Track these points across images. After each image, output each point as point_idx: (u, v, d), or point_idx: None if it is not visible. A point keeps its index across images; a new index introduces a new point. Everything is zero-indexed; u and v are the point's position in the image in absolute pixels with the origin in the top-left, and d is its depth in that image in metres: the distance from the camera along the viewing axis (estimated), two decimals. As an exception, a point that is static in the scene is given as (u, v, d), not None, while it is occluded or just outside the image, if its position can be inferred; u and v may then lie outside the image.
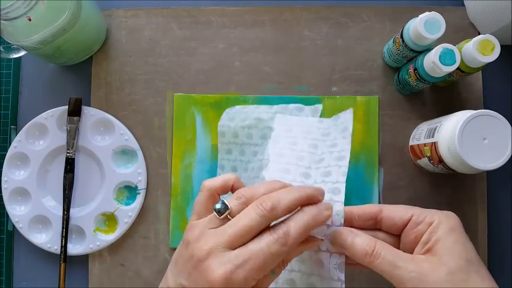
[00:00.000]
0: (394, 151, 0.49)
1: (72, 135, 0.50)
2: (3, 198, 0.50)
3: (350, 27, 0.51)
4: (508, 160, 0.39)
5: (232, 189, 0.36)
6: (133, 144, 0.50)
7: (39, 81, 0.52)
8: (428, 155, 0.44)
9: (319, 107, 0.49)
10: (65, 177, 0.50)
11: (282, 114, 0.49)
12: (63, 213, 0.49)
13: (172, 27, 0.52)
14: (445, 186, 0.49)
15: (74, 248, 0.49)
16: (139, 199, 0.50)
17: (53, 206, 0.50)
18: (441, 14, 0.41)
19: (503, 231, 0.49)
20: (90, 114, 0.50)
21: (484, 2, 0.47)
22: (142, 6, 0.52)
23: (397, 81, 0.49)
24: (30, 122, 0.50)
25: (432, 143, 0.43)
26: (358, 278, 0.48)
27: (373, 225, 0.38)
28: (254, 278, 0.31)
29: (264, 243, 0.31)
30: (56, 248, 0.49)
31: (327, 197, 0.36)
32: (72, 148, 0.50)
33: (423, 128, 0.46)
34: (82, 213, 0.50)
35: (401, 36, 0.44)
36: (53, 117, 0.50)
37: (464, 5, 0.51)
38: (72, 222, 0.49)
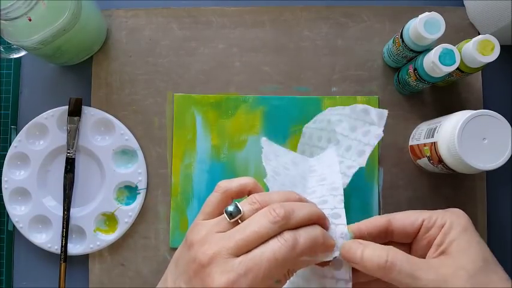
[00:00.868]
0: (394, 151, 0.50)
1: (73, 135, 0.50)
2: (4, 198, 0.50)
3: (350, 28, 0.51)
4: (508, 160, 0.39)
5: (249, 194, 0.34)
6: (134, 144, 0.50)
7: (39, 81, 0.52)
8: (428, 155, 0.44)
9: (385, 112, 0.42)
10: (65, 177, 0.50)
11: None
12: (64, 213, 0.49)
13: (173, 28, 0.52)
14: (444, 186, 0.49)
15: (74, 248, 0.49)
16: (139, 199, 0.50)
17: (53, 206, 0.50)
18: (441, 14, 0.41)
19: (503, 231, 0.49)
20: (91, 114, 0.50)
21: (484, 2, 0.47)
22: (143, 6, 0.52)
23: (397, 81, 0.49)
24: (30, 122, 0.50)
25: (432, 143, 0.43)
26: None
27: (383, 239, 0.35)
28: (257, 287, 0.29)
29: (270, 248, 0.29)
30: (56, 248, 0.49)
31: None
32: (72, 148, 0.50)
33: (423, 128, 0.46)
34: (82, 213, 0.50)
35: (401, 37, 0.44)
36: (53, 117, 0.50)
37: (464, 5, 0.51)
38: (72, 222, 0.50)
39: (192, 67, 0.51)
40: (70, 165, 0.50)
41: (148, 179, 0.50)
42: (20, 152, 0.50)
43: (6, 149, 0.51)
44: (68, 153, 0.50)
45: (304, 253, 0.30)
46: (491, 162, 0.39)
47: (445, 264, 0.31)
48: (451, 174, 0.44)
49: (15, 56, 0.50)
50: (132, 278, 0.50)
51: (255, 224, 0.30)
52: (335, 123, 0.44)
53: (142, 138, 0.51)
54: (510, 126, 0.39)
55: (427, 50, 0.43)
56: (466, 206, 0.49)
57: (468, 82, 0.50)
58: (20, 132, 0.50)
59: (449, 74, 0.44)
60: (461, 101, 0.50)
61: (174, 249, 0.49)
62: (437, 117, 0.46)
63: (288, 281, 0.32)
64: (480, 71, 0.49)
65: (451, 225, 0.33)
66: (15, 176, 0.50)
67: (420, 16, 0.41)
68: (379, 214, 0.49)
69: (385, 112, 0.41)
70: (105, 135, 0.51)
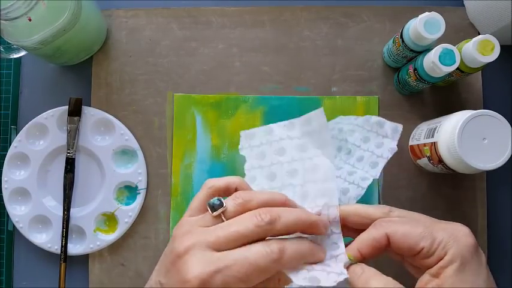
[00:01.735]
0: (394, 151, 0.49)
1: (73, 135, 0.50)
2: (4, 198, 0.50)
3: (350, 28, 0.51)
4: (508, 160, 0.39)
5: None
6: (134, 144, 0.50)
7: (39, 81, 0.52)
8: (428, 155, 0.44)
9: (400, 127, 0.40)
10: (65, 177, 0.50)
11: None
12: (64, 213, 0.49)
13: (173, 28, 0.52)
14: (444, 186, 0.49)
15: (74, 248, 0.49)
16: (139, 199, 0.50)
17: (53, 206, 0.50)
18: (441, 14, 0.41)
19: (503, 231, 0.49)
20: (91, 114, 0.50)
21: (484, 2, 0.47)
22: (143, 6, 0.52)
23: (396, 81, 0.49)
24: (30, 122, 0.50)
25: (432, 143, 0.43)
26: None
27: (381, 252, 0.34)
28: None
29: (254, 253, 0.28)
30: (56, 248, 0.49)
31: None
32: (72, 148, 0.50)
33: (423, 128, 0.46)
34: (82, 213, 0.50)
35: (401, 37, 0.44)
36: (53, 117, 0.50)
37: (464, 5, 0.51)
38: (72, 222, 0.50)
39: (192, 67, 0.51)
40: (70, 165, 0.50)
41: (148, 179, 0.50)
42: (20, 152, 0.50)
43: (6, 149, 0.51)
44: (68, 153, 0.50)
45: (288, 266, 0.30)
46: (491, 162, 0.39)
47: None
48: (451, 174, 0.44)
49: (15, 56, 0.51)
50: (132, 278, 0.50)
51: (239, 224, 0.29)
52: (347, 132, 0.43)
53: (142, 138, 0.51)
54: (510, 126, 0.39)
55: (427, 50, 0.43)
56: (466, 206, 0.49)
57: (468, 82, 0.50)
58: (20, 132, 0.50)
59: (449, 74, 0.44)
60: (461, 101, 0.50)
61: (174, 249, 0.50)
62: (437, 117, 0.46)
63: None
64: (480, 71, 0.49)
65: (451, 260, 0.31)
66: (15, 176, 0.50)
67: (420, 16, 0.41)
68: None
69: (400, 127, 0.40)
70: (105, 135, 0.51)
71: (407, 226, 0.33)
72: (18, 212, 0.50)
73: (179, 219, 0.49)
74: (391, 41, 0.47)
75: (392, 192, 0.49)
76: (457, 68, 0.43)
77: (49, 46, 0.44)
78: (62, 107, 0.50)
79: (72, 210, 0.50)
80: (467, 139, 0.39)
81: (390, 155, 0.41)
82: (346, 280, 0.32)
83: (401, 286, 0.31)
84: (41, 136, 0.51)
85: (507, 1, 0.43)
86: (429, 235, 0.32)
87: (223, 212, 0.31)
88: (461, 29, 0.50)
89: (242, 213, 0.31)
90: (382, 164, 0.40)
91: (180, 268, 0.28)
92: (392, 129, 0.41)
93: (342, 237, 0.35)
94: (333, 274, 0.32)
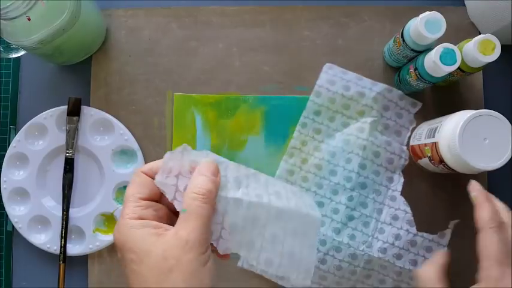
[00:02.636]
0: (395, 151, 0.49)
1: (72, 135, 0.49)
2: (3, 199, 0.50)
3: (350, 27, 0.51)
4: (509, 160, 0.39)
5: None
6: (133, 144, 0.50)
7: (38, 81, 0.52)
8: (428, 155, 0.44)
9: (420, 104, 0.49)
10: (64, 177, 0.50)
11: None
12: (63, 213, 0.49)
13: (172, 27, 0.52)
14: (445, 186, 0.49)
15: (74, 248, 0.49)
16: (139, 199, 0.50)
17: (53, 206, 0.50)
18: (442, 14, 0.41)
19: (503, 231, 0.49)
20: (90, 114, 0.50)
21: (485, 2, 0.47)
22: (142, 6, 0.52)
23: (397, 81, 0.49)
24: (29, 122, 0.50)
25: (433, 143, 0.43)
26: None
27: None
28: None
29: None
30: (55, 248, 0.49)
31: None
32: (71, 148, 0.50)
33: (424, 128, 0.46)
34: (81, 213, 0.50)
35: (402, 36, 0.44)
36: (52, 117, 0.50)
37: (464, 5, 0.51)
38: (71, 222, 0.49)
39: (192, 67, 0.51)
40: (69, 166, 0.50)
41: (147, 179, 0.50)
42: (19, 152, 0.50)
43: (5, 149, 0.51)
44: (67, 153, 0.50)
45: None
46: (492, 162, 0.39)
47: None
48: (452, 174, 0.44)
49: (15, 55, 0.50)
50: (131, 279, 0.49)
51: None
52: (355, 94, 0.49)
53: (141, 138, 0.51)
54: (511, 126, 0.39)
55: (428, 49, 0.43)
56: (466, 206, 0.49)
57: (469, 82, 0.50)
58: (19, 132, 0.50)
59: (450, 74, 0.44)
60: (462, 101, 0.50)
61: (174, 249, 0.49)
62: (438, 117, 0.46)
63: None
64: (481, 71, 0.49)
65: None
66: (14, 176, 0.50)
67: (421, 16, 0.41)
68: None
69: (419, 104, 0.49)
70: (105, 135, 0.51)
71: None
72: (17, 212, 0.50)
73: (179, 219, 0.49)
74: (392, 40, 0.47)
75: (392, 193, 0.49)
76: (458, 68, 0.42)
77: (48, 46, 0.44)
78: (61, 106, 0.50)
79: (71, 211, 0.50)
80: (468, 139, 0.39)
81: (411, 127, 0.49)
82: None
83: None
84: (40, 136, 0.51)
85: (508, 1, 0.43)
86: None
87: None
88: (462, 29, 0.50)
89: None
90: (405, 133, 0.49)
91: None
92: (411, 104, 0.49)
93: None
94: None
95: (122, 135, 0.50)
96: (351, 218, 0.47)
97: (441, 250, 0.46)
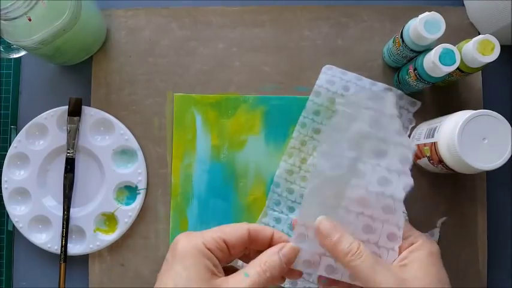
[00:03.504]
0: (394, 151, 0.49)
1: (72, 135, 0.50)
2: (3, 198, 0.50)
3: (350, 27, 0.51)
4: (508, 160, 0.39)
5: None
6: (134, 144, 0.50)
7: (39, 81, 0.52)
8: (428, 155, 0.44)
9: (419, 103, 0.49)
10: (65, 177, 0.50)
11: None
12: (63, 213, 0.49)
13: (172, 27, 0.52)
14: (444, 186, 0.49)
15: (74, 248, 0.49)
16: (139, 199, 0.50)
17: (53, 206, 0.50)
18: (441, 14, 0.41)
19: (503, 231, 0.49)
20: (90, 114, 0.50)
21: (484, 2, 0.47)
22: (142, 6, 0.52)
23: (397, 81, 0.49)
24: (30, 122, 0.50)
25: (432, 143, 0.43)
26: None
27: None
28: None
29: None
30: (56, 248, 0.49)
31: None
32: (72, 148, 0.50)
33: (423, 128, 0.46)
34: (82, 213, 0.50)
35: (401, 36, 0.44)
36: (53, 117, 0.50)
37: (464, 5, 0.51)
38: (72, 222, 0.50)
39: (192, 67, 0.51)
40: (70, 165, 0.50)
41: (148, 179, 0.50)
42: (20, 152, 0.50)
43: (6, 149, 0.51)
44: (68, 153, 0.50)
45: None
46: (492, 162, 0.39)
47: (405, 272, 0.34)
48: (451, 174, 0.44)
49: (15, 56, 0.51)
50: (132, 278, 0.50)
51: None
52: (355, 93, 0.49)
53: (142, 138, 0.51)
54: (510, 126, 0.39)
55: (427, 50, 0.43)
56: (466, 206, 0.49)
57: (468, 82, 0.50)
58: (20, 132, 0.50)
59: (450, 74, 0.44)
60: (461, 101, 0.50)
61: (174, 249, 0.50)
62: (437, 117, 0.46)
63: None
64: (480, 71, 0.49)
65: (421, 246, 0.36)
66: (15, 176, 0.50)
67: (420, 16, 0.41)
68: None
69: (419, 103, 0.49)
70: (105, 135, 0.51)
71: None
72: (18, 212, 0.50)
73: (179, 219, 0.50)
74: (391, 41, 0.47)
75: (392, 192, 0.49)
76: (457, 68, 0.42)
77: (49, 46, 0.44)
78: (61, 107, 0.50)
79: (72, 210, 0.50)
80: (468, 139, 0.39)
81: (410, 126, 0.49)
82: None
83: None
84: (40, 136, 0.51)
85: (507, 1, 0.43)
86: (406, 226, 0.37)
87: None
88: (461, 29, 0.50)
89: None
90: (404, 132, 0.46)
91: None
92: (410, 103, 0.49)
93: None
94: None
95: (123, 135, 0.50)
96: None
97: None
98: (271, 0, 0.52)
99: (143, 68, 0.51)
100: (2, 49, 0.50)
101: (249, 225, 0.36)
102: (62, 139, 0.50)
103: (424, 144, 0.45)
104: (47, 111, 0.50)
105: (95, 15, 0.48)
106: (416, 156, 0.47)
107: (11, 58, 0.52)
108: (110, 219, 0.50)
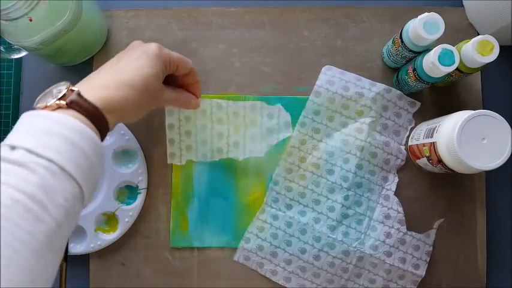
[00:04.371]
0: (394, 151, 0.50)
1: (73, 135, 0.50)
2: (5, 198, 0.50)
3: (349, 28, 0.51)
4: (507, 160, 0.39)
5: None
6: (134, 144, 0.50)
7: (40, 81, 0.53)
8: (427, 155, 0.44)
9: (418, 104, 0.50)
10: (66, 177, 0.50)
11: None
12: (64, 212, 0.49)
13: (173, 28, 0.52)
14: (444, 186, 0.49)
15: (75, 248, 0.50)
16: (140, 199, 0.50)
17: (54, 205, 0.50)
18: (440, 15, 0.41)
19: (502, 231, 0.49)
20: (91, 114, 0.50)
21: (483, 3, 0.47)
22: (143, 7, 0.52)
23: (396, 81, 0.49)
24: (31, 122, 0.50)
25: (431, 143, 0.43)
26: (357, 277, 0.48)
27: None
28: None
29: None
30: (57, 248, 0.49)
31: None
32: (73, 148, 0.50)
33: (422, 128, 0.47)
34: (83, 212, 0.50)
35: (401, 37, 0.44)
36: (54, 118, 0.50)
37: (463, 6, 0.51)
38: (73, 221, 0.50)
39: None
40: (71, 165, 0.50)
41: (148, 179, 0.50)
42: (21, 152, 0.50)
43: (7, 149, 0.51)
44: (69, 153, 0.50)
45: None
46: (491, 162, 0.39)
47: None
48: (451, 174, 0.44)
49: (16, 56, 0.51)
50: (132, 278, 0.50)
51: None
52: (355, 95, 0.49)
53: (143, 138, 0.51)
54: (509, 127, 0.40)
55: (427, 50, 0.43)
56: (465, 205, 0.49)
57: (467, 82, 0.50)
58: (21, 132, 0.50)
59: (449, 75, 0.44)
60: (460, 101, 0.50)
61: (175, 248, 0.50)
62: (436, 117, 0.46)
63: None
64: (479, 71, 0.50)
65: None
66: (16, 176, 0.50)
67: (419, 17, 0.41)
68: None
69: (418, 103, 0.50)
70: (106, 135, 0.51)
71: None
72: (19, 212, 0.50)
73: (179, 218, 0.50)
74: (391, 41, 0.47)
75: (391, 192, 0.49)
76: (457, 69, 0.43)
77: (50, 46, 0.44)
78: (62, 107, 0.50)
79: (73, 210, 0.50)
80: (467, 139, 0.39)
81: (409, 127, 0.49)
82: None
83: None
84: (41, 136, 0.51)
85: (506, 1, 0.44)
86: None
87: None
88: (460, 30, 0.50)
89: None
90: (404, 133, 0.49)
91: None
92: (410, 103, 0.50)
93: None
94: None
95: (123, 136, 0.50)
96: (345, 216, 0.48)
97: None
98: (271, 1, 0.52)
99: (144, 69, 0.51)
100: (3, 49, 0.50)
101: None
102: (62, 139, 0.50)
103: (424, 144, 0.45)
104: (48, 112, 0.50)
105: (95, 16, 0.48)
106: (416, 156, 0.47)
107: (12, 58, 0.52)
108: (110, 219, 0.50)
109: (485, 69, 0.45)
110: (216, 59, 0.51)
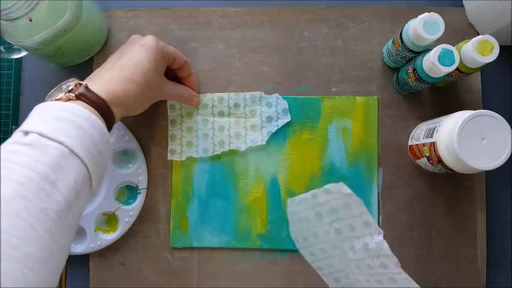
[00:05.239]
0: (394, 151, 0.50)
1: (73, 135, 0.50)
2: (5, 198, 0.50)
3: (349, 28, 0.51)
4: (507, 160, 0.39)
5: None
6: (134, 144, 0.50)
7: (40, 81, 0.53)
8: (427, 155, 0.44)
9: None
10: (66, 177, 0.50)
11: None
12: (64, 213, 0.49)
13: (173, 28, 0.52)
14: (444, 186, 0.49)
15: (75, 248, 0.50)
16: (140, 199, 0.50)
17: (54, 205, 0.50)
18: (440, 15, 0.41)
19: (502, 231, 0.49)
20: (91, 114, 0.50)
21: (483, 3, 0.47)
22: (143, 7, 0.52)
23: (396, 81, 0.49)
24: (31, 122, 0.50)
25: (431, 143, 0.43)
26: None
27: None
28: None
29: None
30: (57, 248, 0.49)
31: None
32: (73, 148, 0.50)
33: (422, 128, 0.47)
34: (83, 213, 0.50)
35: (401, 37, 0.44)
36: (54, 118, 0.50)
37: (463, 6, 0.51)
38: (73, 221, 0.50)
39: (192, 67, 0.51)
40: (71, 165, 0.50)
41: (148, 179, 0.50)
42: (21, 152, 0.50)
43: (7, 149, 0.51)
44: (69, 153, 0.50)
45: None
46: (491, 162, 0.39)
47: None
48: (451, 174, 0.44)
49: (16, 56, 0.51)
50: (132, 278, 0.50)
51: None
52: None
53: (142, 138, 0.51)
54: (509, 127, 0.39)
55: (427, 50, 0.43)
56: (465, 206, 0.49)
57: (467, 82, 0.50)
58: (21, 132, 0.50)
59: (449, 75, 0.44)
60: (460, 101, 0.50)
61: (175, 248, 0.50)
62: (436, 117, 0.46)
63: None
64: (479, 71, 0.50)
65: None
66: (16, 176, 0.50)
67: (419, 16, 0.41)
68: (379, 214, 0.49)
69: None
70: (106, 135, 0.51)
71: None
72: (19, 212, 0.50)
73: (179, 218, 0.50)
74: (391, 41, 0.47)
75: (391, 192, 0.49)
76: (456, 69, 0.43)
77: (50, 46, 0.44)
78: (62, 107, 0.50)
79: (72, 210, 0.50)
80: (467, 139, 0.39)
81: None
82: None
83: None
84: (41, 136, 0.51)
85: (506, 1, 0.44)
86: None
87: None
88: (460, 30, 0.50)
89: None
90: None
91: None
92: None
93: None
94: None
95: (123, 136, 0.50)
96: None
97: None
98: (271, 1, 0.52)
99: (144, 69, 0.52)
100: (3, 49, 0.50)
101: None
102: (62, 139, 0.50)
103: (423, 145, 0.45)
104: (48, 112, 0.50)
105: (96, 16, 0.48)
106: (416, 156, 0.48)
107: (12, 58, 0.52)
108: (110, 219, 0.50)
109: (485, 69, 0.45)
110: (216, 59, 0.51)
